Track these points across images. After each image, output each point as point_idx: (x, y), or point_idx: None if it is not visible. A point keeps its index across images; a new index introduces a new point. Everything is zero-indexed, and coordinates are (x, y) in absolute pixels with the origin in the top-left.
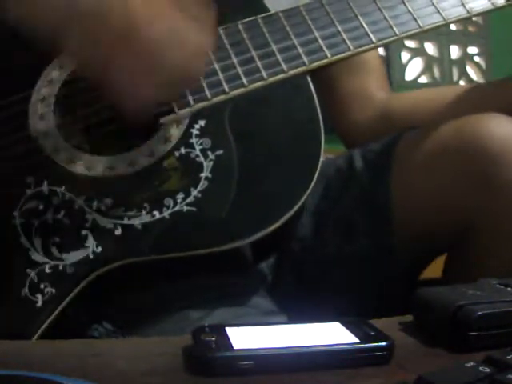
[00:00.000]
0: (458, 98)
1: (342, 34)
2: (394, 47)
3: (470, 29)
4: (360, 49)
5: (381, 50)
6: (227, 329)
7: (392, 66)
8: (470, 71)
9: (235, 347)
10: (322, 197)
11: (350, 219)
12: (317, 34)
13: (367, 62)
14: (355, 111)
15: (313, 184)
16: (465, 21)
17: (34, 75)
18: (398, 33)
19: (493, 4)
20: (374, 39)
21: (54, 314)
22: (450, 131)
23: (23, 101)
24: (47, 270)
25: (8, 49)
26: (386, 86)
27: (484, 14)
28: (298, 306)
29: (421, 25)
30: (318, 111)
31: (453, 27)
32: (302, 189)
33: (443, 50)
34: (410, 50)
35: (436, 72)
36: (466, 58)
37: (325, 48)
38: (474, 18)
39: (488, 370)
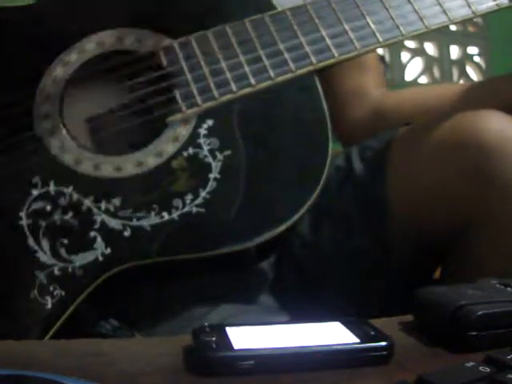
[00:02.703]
0: (453, 97)
1: (349, 33)
2: (393, 47)
3: (470, 29)
4: (366, 48)
5: (380, 50)
6: (227, 329)
7: (392, 66)
8: (470, 71)
9: (235, 347)
10: (320, 194)
11: (348, 216)
12: (324, 33)
13: (365, 60)
14: (351, 109)
15: (321, 186)
16: (465, 21)
17: (37, 73)
18: (404, 33)
19: (497, 5)
20: (380, 39)
21: (65, 316)
22: (446, 127)
23: (27, 99)
24: (56, 272)
25: (12, 47)
26: (382, 83)
27: (487, 15)
28: (299, 303)
29: (427, 25)
30: (326, 112)
31: (453, 27)
32: (310, 191)
33: (443, 50)
34: (409, 50)
35: (436, 72)
36: (465, 58)
37: (332, 47)
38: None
39: (488, 370)
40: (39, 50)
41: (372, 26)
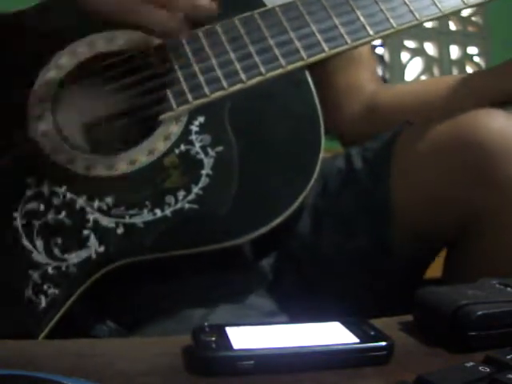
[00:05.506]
0: (446, 90)
1: (339, 27)
2: (393, 47)
3: (470, 29)
4: (357, 42)
5: (380, 50)
6: (227, 329)
7: (392, 66)
8: (470, 71)
9: (235, 347)
10: (320, 195)
11: (349, 217)
12: (314, 28)
13: (358, 55)
14: (347, 105)
15: (313, 180)
16: (464, 21)
17: (31, 75)
18: (395, 25)
19: None
20: (371, 32)
21: (59, 315)
22: (447, 127)
23: (22, 101)
24: (50, 271)
25: (5, 50)
26: (376, 78)
27: (480, 6)
28: (298, 305)
29: (417, 17)
30: (318, 107)
31: (452, 27)
32: (303, 185)
33: (443, 50)
34: (409, 50)
35: (436, 72)
36: (465, 58)
37: (322, 42)
38: (473, 18)
39: (488, 370)
40: (33, 52)
41: (362, 19)
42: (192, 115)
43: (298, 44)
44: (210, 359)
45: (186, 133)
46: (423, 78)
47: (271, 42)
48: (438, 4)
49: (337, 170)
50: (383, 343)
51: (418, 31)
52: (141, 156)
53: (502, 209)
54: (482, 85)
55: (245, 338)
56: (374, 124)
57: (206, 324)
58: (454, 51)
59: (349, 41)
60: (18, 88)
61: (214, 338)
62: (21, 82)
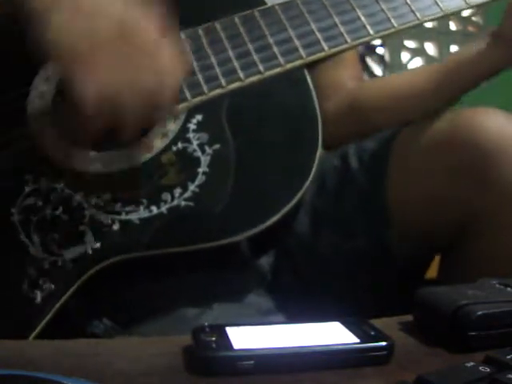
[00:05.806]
0: (423, 80)
1: (340, 26)
2: (394, 47)
3: (470, 29)
4: (358, 41)
5: (380, 50)
6: (227, 329)
7: (392, 66)
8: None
9: (235, 347)
10: (317, 195)
11: (347, 218)
12: (314, 27)
13: (339, 54)
14: (328, 102)
15: (310, 178)
16: (464, 21)
17: (31, 72)
18: (395, 25)
19: None
20: (371, 32)
21: (54, 310)
22: (444, 127)
23: (21, 98)
24: (46, 266)
25: (5, 46)
26: (358, 75)
27: (482, 7)
28: (297, 305)
29: (419, 17)
30: (317, 106)
31: (453, 27)
32: (300, 183)
33: (443, 50)
34: (409, 50)
35: None
36: None
37: (322, 41)
38: (473, 18)
39: (488, 370)
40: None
41: (363, 19)
42: (190, 113)
43: (297, 42)
44: (210, 359)
45: (183, 130)
46: None
47: (270, 40)
48: (439, 4)
49: (333, 168)
50: (383, 343)
51: (418, 31)
52: (138, 153)
53: (500, 209)
54: (460, 71)
55: (245, 337)
56: (357, 121)
57: (206, 324)
58: (454, 51)
59: (349, 40)
60: (19, 84)
61: (214, 338)
62: (21, 78)
